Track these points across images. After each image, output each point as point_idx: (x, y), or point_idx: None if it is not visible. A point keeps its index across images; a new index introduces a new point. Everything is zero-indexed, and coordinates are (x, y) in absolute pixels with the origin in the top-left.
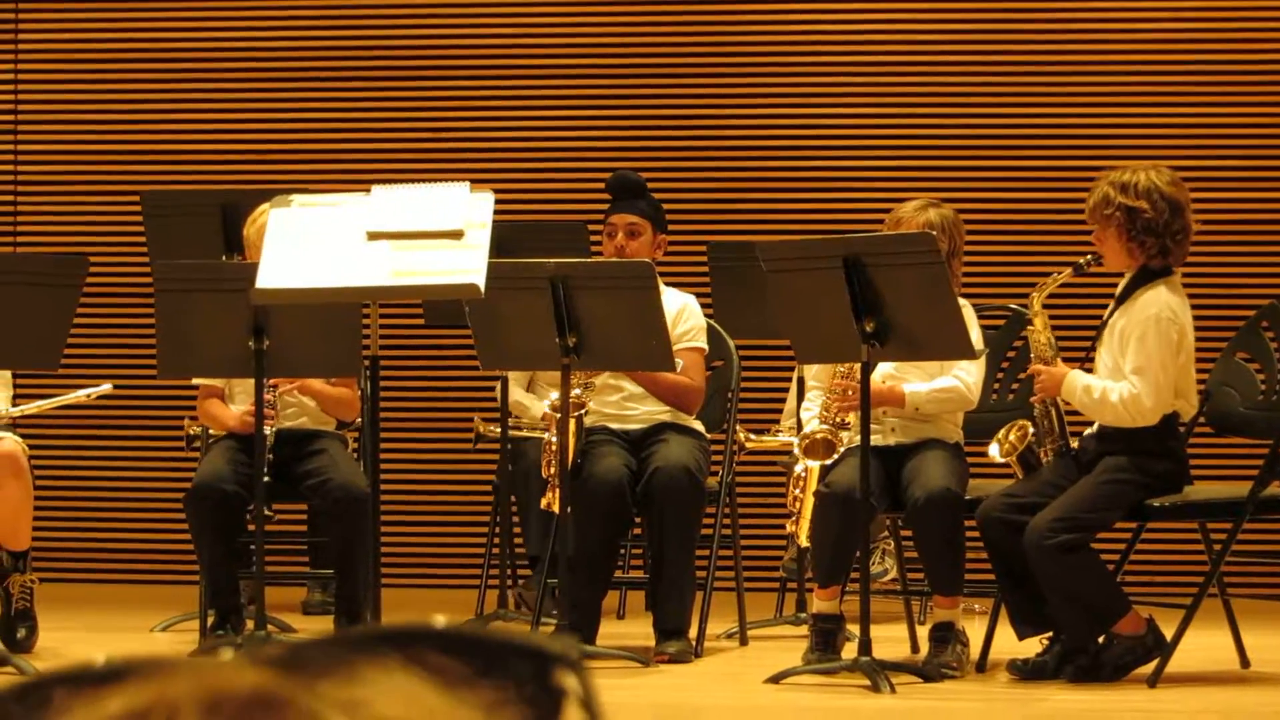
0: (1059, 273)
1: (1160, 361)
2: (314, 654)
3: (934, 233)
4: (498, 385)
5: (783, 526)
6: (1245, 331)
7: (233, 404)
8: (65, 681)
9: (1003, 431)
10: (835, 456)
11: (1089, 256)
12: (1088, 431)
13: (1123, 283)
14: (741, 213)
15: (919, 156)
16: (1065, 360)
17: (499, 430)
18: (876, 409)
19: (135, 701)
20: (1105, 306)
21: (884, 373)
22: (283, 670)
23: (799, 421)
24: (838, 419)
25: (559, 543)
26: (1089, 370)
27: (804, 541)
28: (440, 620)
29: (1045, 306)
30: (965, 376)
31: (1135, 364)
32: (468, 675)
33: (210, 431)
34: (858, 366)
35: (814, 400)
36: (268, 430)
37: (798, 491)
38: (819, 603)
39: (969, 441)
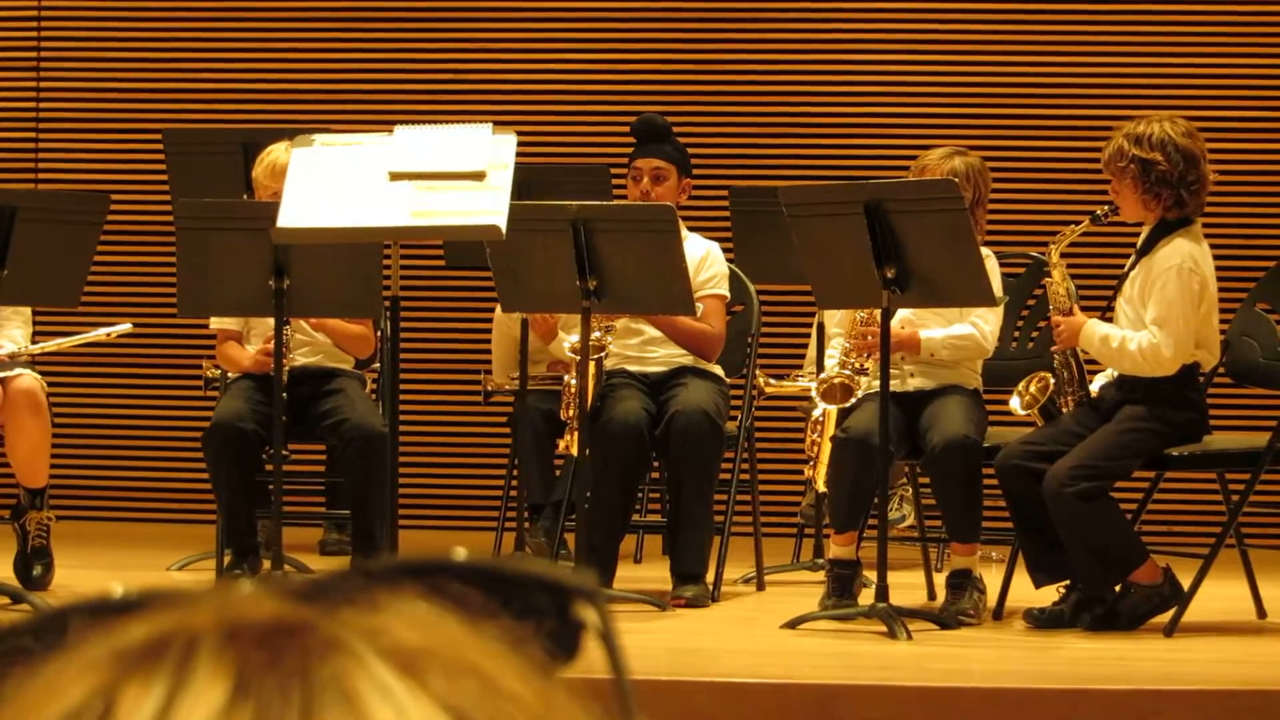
0: (1077, 224)
1: (1181, 312)
2: (335, 585)
3: (956, 179)
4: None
5: (801, 472)
6: (1266, 282)
7: (249, 345)
8: (83, 612)
9: (1023, 384)
10: (853, 401)
11: (1106, 208)
12: (1104, 380)
13: (1143, 235)
14: (763, 157)
15: (941, 103)
16: (1084, 310)
17: (506, 383)
18: (895, 354)
19: (154, 630)
20: (1125, 258)
21: (902, 318)
22: (303, 600)
23: (820, 368)
24: (857, 364)
25: (576, 486)
26: (1109, 320)
27: (821, 486)
28: (461, 553)
29: (1065, 257)
30: (982, 325)
31: (1156, 314)
32: (488, 606)
33: (229, 374)
34: (878, 312)
35: (837, 348)
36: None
37: (815, 436)
38: (835, 548)
39: (989, 390)
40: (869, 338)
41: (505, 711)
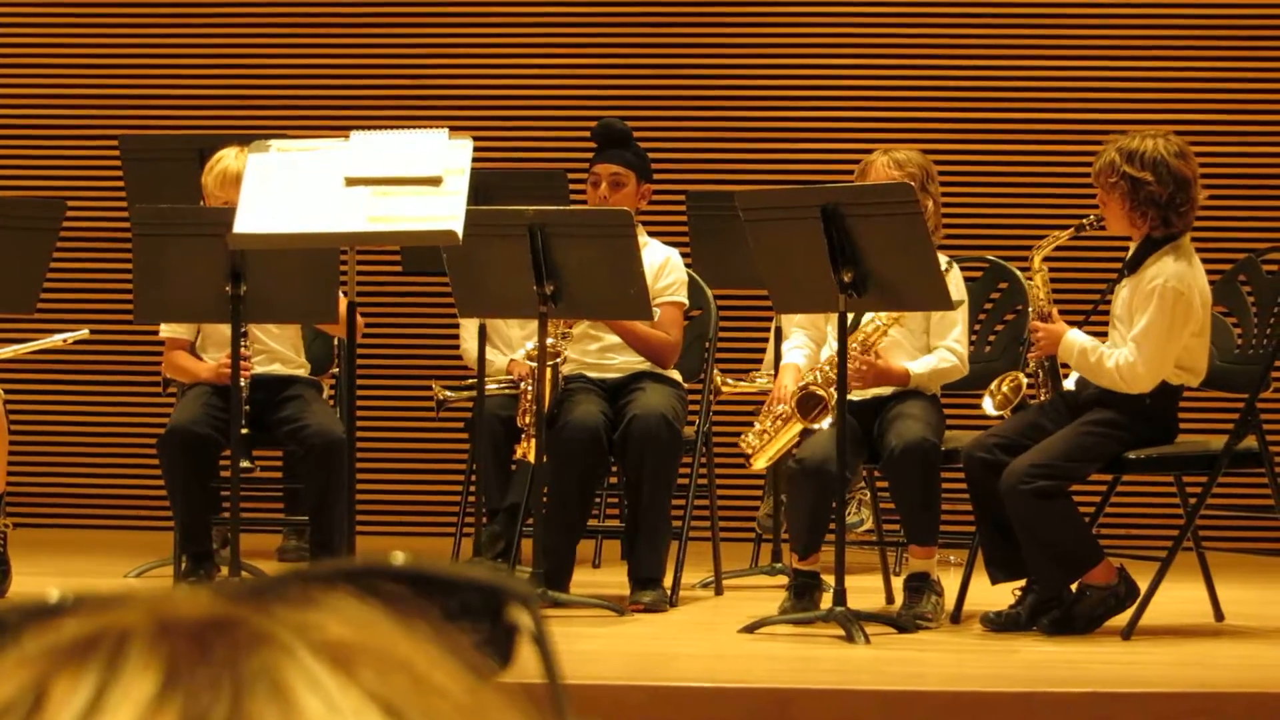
0: (1061, 231)
1: (1159, 333)
2: (269, 585)
3: (911, 183)
4: (463, 335)
5: (760, 477)
6: (1222, 285)
7: (205, 355)
8: (18, 614)
9: (995, 383)
10: (820, 426)
11: (1092, 218)
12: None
13: (1131, 250)
14: (721, 162)
15: (900, 107)
16: (1065, 318)
17: (453, 395)
18: (884, 388)
19: (87, 627)
20: (1106, 265)
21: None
22: (236, 598)
23: (778, 359)
24: (834, 374)
25: (533, 490)
26: (1090, 332)
27: (758, 464)
28: (398, 556)
29: (1047, 261)
30: (957, 348)
31: (1135, 333)
32: (423, 607)
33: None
34: (875, 347)
35: (797, 337)
36: (243, 381)
37: (770, 424)
38: (797, 563)
39: (958, 392)
40: (864, 368)
41: (435, 706)
